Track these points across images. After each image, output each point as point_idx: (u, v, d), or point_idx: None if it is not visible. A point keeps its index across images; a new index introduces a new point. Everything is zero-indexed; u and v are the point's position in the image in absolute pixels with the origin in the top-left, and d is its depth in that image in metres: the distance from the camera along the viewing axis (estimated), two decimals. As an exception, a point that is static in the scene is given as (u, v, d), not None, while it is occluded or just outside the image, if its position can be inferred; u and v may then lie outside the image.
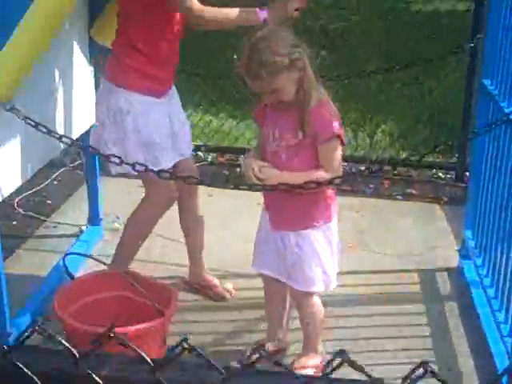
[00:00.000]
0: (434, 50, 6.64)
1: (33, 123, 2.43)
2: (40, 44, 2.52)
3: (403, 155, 5.31)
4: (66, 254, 3.06)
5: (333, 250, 2.68)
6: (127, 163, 2.47)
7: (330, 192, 2.60)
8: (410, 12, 8.53)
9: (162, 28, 2.93)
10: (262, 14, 2.78)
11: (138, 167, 2.47)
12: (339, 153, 2.52)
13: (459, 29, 5.63)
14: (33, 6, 2.43)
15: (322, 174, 2.45)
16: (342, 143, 2.52)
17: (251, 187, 2.42)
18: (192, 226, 3.40)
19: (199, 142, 5.14)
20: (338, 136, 2.49)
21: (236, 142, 5.33)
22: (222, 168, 5.00)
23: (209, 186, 2.62)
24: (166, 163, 3.01)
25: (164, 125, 3.06)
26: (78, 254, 3.18)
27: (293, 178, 2.44)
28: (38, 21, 2.47)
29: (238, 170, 4.78)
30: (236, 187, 2.41)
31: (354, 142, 5.49)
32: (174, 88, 3.21)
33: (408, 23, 8.08)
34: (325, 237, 2.63)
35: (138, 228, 3.24)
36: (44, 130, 2.44)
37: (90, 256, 3.17)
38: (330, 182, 2.39)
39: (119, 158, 2.50)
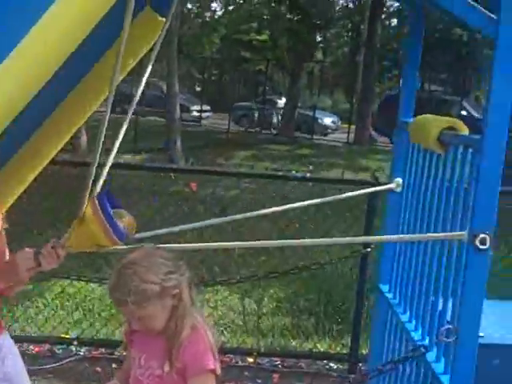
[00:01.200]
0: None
1: None
2: None
3: (293, 343, 5.01)
4: None
5: None
6: None
7: None
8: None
9: None
10: None
11: None
12: None
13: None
14: None
15: None
16: (217, 377, 2.17)
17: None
18: None
19: (72, 335, 4.64)
20: (212, 370, 2.14)
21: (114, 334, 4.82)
22: (95, 364, 4.44)
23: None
24: None
25: None
26: None
27: None
28: None
29: (114, 366, 4.29)
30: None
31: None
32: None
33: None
34: None
35: None
36: None
37: None
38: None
39: None
